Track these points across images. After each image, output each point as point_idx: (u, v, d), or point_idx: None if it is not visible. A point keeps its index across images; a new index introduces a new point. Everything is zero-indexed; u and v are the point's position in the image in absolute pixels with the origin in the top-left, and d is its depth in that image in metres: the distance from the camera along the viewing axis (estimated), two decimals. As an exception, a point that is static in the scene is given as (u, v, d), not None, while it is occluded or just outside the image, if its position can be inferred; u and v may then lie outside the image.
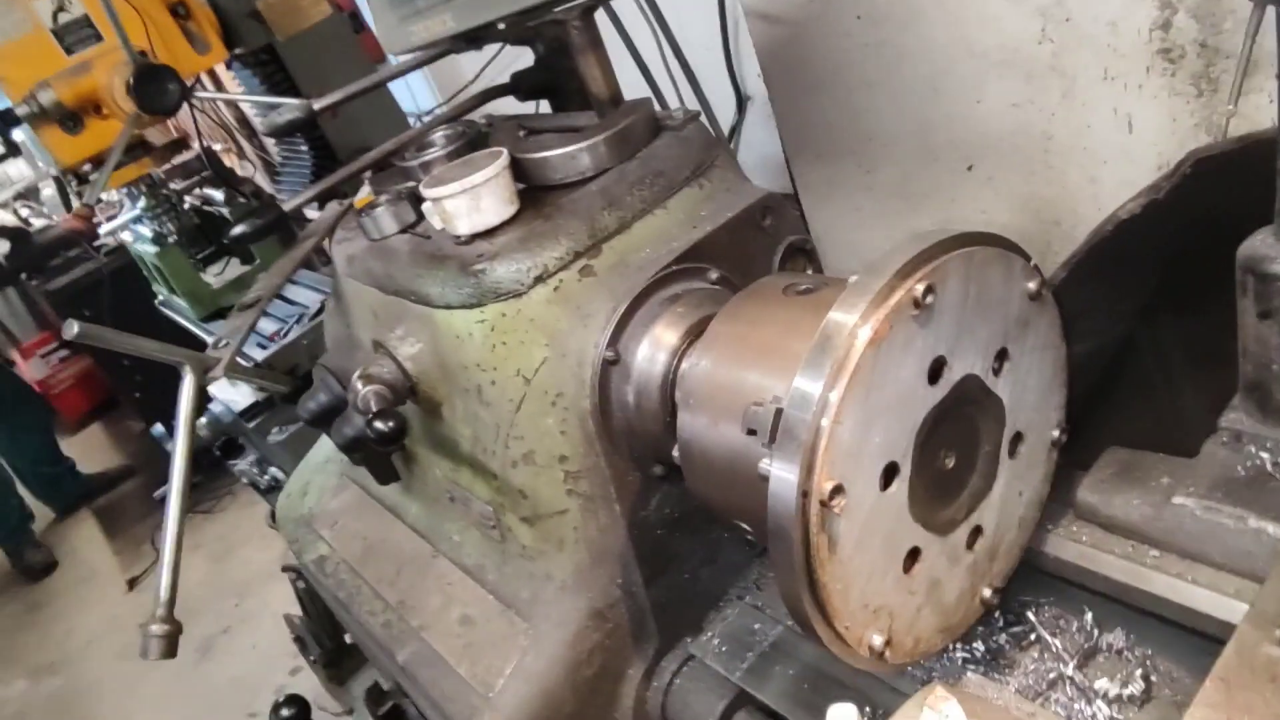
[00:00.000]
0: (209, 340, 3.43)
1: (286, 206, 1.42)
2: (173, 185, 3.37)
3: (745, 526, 1.03)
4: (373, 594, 1.49)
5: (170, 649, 1.08)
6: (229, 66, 3.30)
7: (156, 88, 2.55)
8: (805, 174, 2.16)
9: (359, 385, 1.21)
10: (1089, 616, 1.14)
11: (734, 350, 1.00)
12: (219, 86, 3.54)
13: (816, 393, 0.79)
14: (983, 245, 0.88)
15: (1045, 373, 0.99)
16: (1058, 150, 1.63)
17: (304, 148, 3.02)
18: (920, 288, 0.81)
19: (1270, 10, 0.89)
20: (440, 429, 1.31)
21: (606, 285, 1.17)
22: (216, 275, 3.45)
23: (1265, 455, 1.04)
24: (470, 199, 1.19)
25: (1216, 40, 1.34)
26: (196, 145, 2.93)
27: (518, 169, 1.28)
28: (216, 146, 4.57)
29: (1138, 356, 1.59)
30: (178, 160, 4.34)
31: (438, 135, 1.42)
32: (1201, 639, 1.02)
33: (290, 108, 1.58)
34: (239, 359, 1.34)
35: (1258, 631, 0.82)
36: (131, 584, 5.13)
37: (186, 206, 3.33)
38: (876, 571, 0.87)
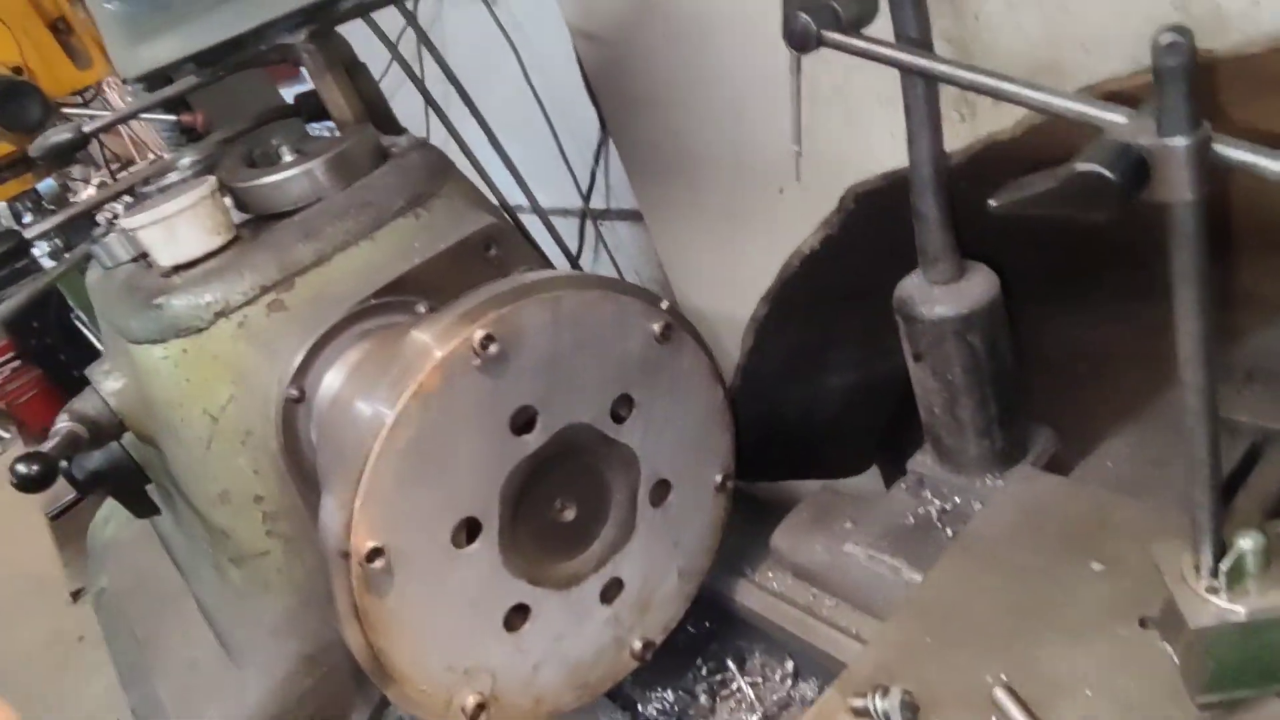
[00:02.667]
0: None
1: (29, 234, 1.38)
2: (75, 199, 3.34)
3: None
4: (128, 632, 1.45)
5: None
6: (125, 81, 3.27)
7: (15, 105, 2.52)
8: (645, 195, 2.12)
9: (60, 419, 1.17)
10: (790, 665, 1.10)
11: (353, 390, 0.96)
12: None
13: (357, 449, 0.74)
14: (582, 289, 0.83)
15: (691, 417, 0.94)
16: (852, 175, 1.58)
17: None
18: (479, 336, 0.76)
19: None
20: (165, 464, 1.27)
21: (299, 320, 1.13)
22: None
23: (937, 502, 1.00)
24: (165, 230, 1.15)
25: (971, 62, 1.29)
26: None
27: (238, 198, 1.24)
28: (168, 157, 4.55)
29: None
30: (135, 169, 4.32)
31: (185, 160, 1.39)
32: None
33: (62, 129, 1.54)
34: None
35: (839, 697, 0.77)
36: (75, 596, 5.10)
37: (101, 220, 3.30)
38: (464, 633, 0.83)
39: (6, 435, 7.20)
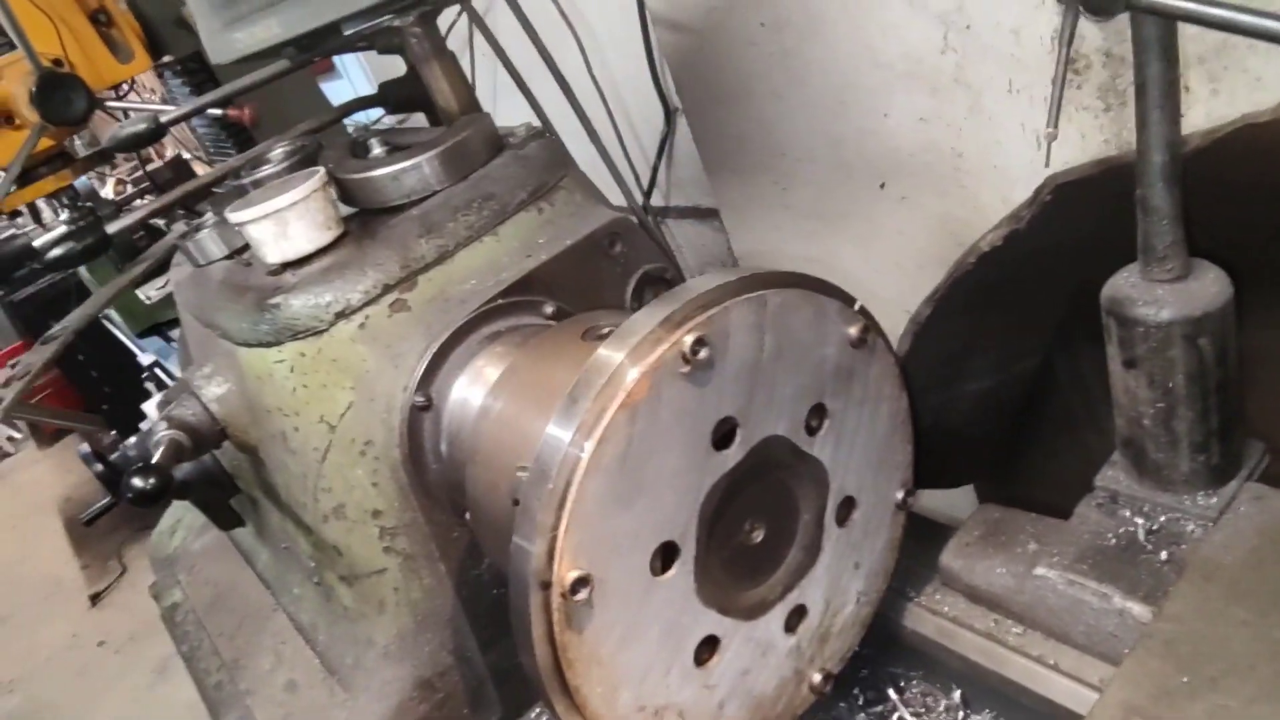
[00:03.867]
0: (140, 355, 3.27)
1: (111, 228, 1.31)
2: (107, 196, 3.27)
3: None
4: (211, 650, 1.37)
5: None
6: (160, 75, 3.20)
7: (61, 98, 2.45)
8: (724, 191, 2.04)
9: (160, 428, 1.09)
10: (957, 695, 1.01)
11: (516, 402, 0.88)
12: (168, 95, 3.45)
13: (558, 466, 0.66)
14: (782, 287, 0.75)
15: (878, 428, 0.86)
16: (968, 169, 1.50)
17: (232, 151, 2.93)
18: (689, 340, 0.68)
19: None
20: (263, 474, 1.19)
21: (422, 322, 1.05)
22: (158, 290, 3.35)
23: (1140, 521, 0.92)
24: (276, 224, 1.07)
25: (1123, 49, 1.21)
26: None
27: (345, 191, 1.16)
28: (186, 156, 4.47)
29: (1059, 389, 1.46)
30: (152, 167, 4.26)
31: (276, 151, 1.31)
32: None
33: (138, 119, 1.46)
34: (156, 394, 1.21)
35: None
36: (94, 600, 5.04)
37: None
38: (655, 668, 0.75)
39: (18, 435, 7.13)
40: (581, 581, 0.67)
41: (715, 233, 2.60)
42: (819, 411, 0.80)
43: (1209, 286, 0.85)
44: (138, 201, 3.46)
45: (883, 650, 1.05)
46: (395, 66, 1.45)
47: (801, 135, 1.74)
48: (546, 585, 0.67)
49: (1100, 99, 1.29)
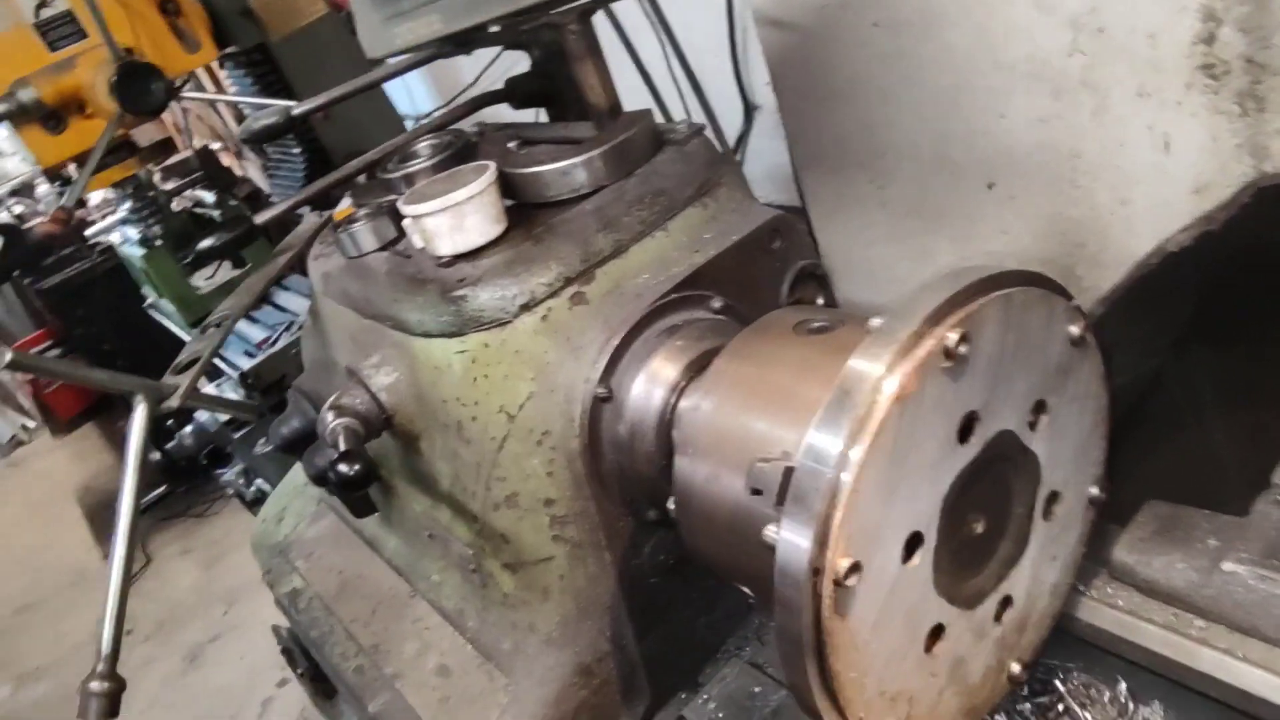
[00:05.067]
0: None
1: (259, 219, 1.32)
2: (163, 186, 3.28)
3: (747, 590, 0.93)
4: (346, 635, 1.39)
5: (112, 708, 0.98)
6: (221, 66, 3.21)
7: (140, 87, 2.46)
8: (815, 188, 2.05)
9: (329, 416, 1.11)
10: (1123, 687, 1.04)
11: (739, 394, 0.90)
12: (217, 85, 3.45)
13: (834, 455, 0.68)
14: (1022, 285, 0.78)
15: (1085, 425, 0.89)
16: (1086, 169, 1.52)
17: (296, 150, 2.93)
18: (953, 336, 0.70)
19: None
20: (419, 463, 1.21)
21: (600, 314, 1.07)
22: (207, 279, 3.36)
23: (1326, 519, 0.94)
24: (453, 217, 1.09)
25: (1265, 56, 1.23)
26: (183, 145, 2.85)
27: (506, 184, 1.18)
28: (214, 146, 4.47)
29: (1166, 393, 1.48)
30: (174, 159, 4.26)
31: (423, 145, 1.33)
32: (1248, 720, 0.93)
33: (269, 112, 1.47)
34: (206, 384, 1.24)
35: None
36: (120, 588, 5.04)
37: (177, 208, 3.24)
38: (896, 654, 0.77)
39: (32, 424, 7.13)
40: (854, 568, 0.69)
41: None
42: (1040, 407, 0.83)
43: None
44: (189, 191, 3.45)
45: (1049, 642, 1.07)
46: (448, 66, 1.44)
47: (907, 134, 1.76)
48: (818, 571, 0.69)
49: (1238, 103, 1.31)
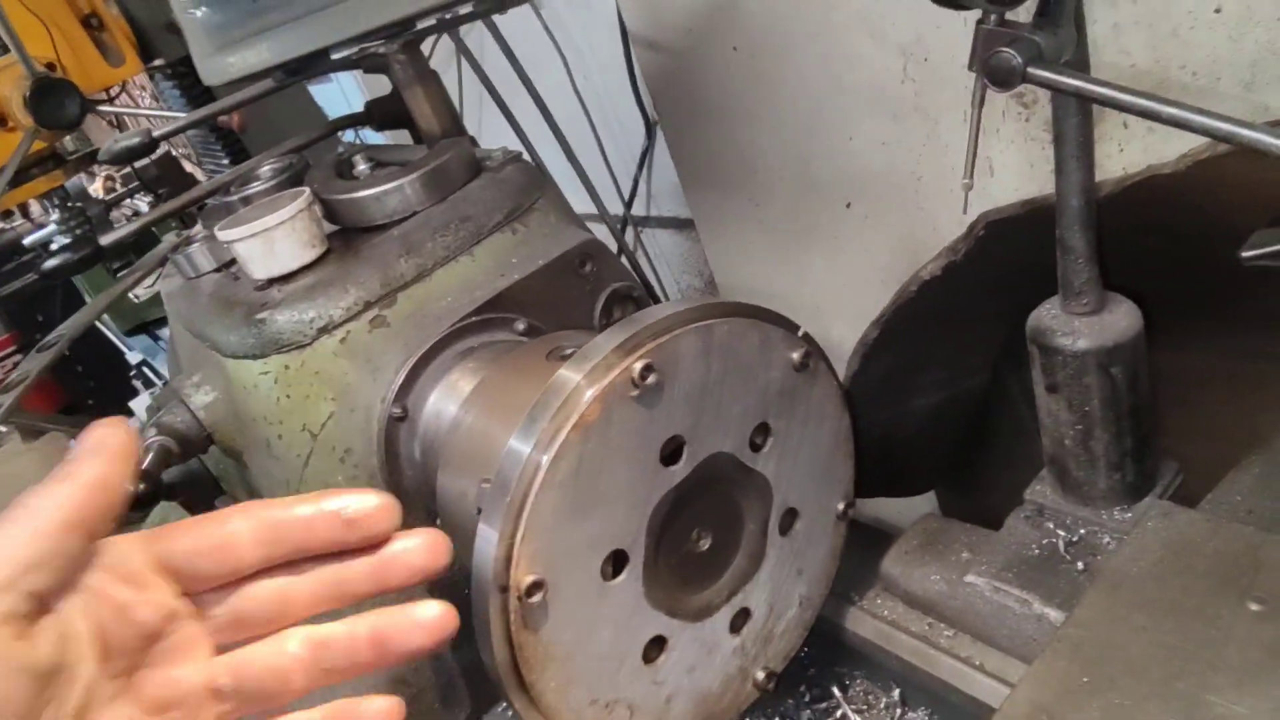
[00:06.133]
0: (128, 354, 3.32)
1: (105, 240, 1.36)
2: (97, 196, 3.31)
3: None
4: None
5: None
6: (151, 78, 3.24)
7: (54, 102, 2.50)
8: (700, 206, 2.10)
9: (150, 433, 1.15)
10: (896, 693, 1.08)
11: (483, 415, 0.94)
12: (156, 98, 3.48)
13: (513, 481, 0.73)
14: (729, 316, 0.82)
15: (821, 445, 0.93)
16: (927, 191, 1.57)
17: (225, 160, 2.97)
18: (638, 367, 0.75)
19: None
20: (247, 478, 1.25)
21: (400, 337, 1.12)
22: (146, 289, 3.39)
23: (1062, 534, 0.99)
24: (263, 242, 1.13)
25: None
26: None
27: (329, 209, 1.22)
28: (177, 152, 4.51)
29: (1011, 402, 1.54)
30: (140, 164, 4.28)
31: (265, 169, 1.37)
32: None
33: (130, 134, 1.52)
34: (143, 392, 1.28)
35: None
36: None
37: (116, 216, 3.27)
38: (607, 666, 0.81)
39: (4, 429, 7.13)
40: (536, 586, 0.73)
41: (693, 243, 2.68)
42: (764, 430, 0.87)
43: (1121, 319, 0.92)
44: (127, 201, 3.48)
45: (828, 650, 1.11)
46: (383, 80, 1.51)
47: (773, 154, 1.81)
48: (504, 589, 0.73)
49: (1047, 131, 1.36)
